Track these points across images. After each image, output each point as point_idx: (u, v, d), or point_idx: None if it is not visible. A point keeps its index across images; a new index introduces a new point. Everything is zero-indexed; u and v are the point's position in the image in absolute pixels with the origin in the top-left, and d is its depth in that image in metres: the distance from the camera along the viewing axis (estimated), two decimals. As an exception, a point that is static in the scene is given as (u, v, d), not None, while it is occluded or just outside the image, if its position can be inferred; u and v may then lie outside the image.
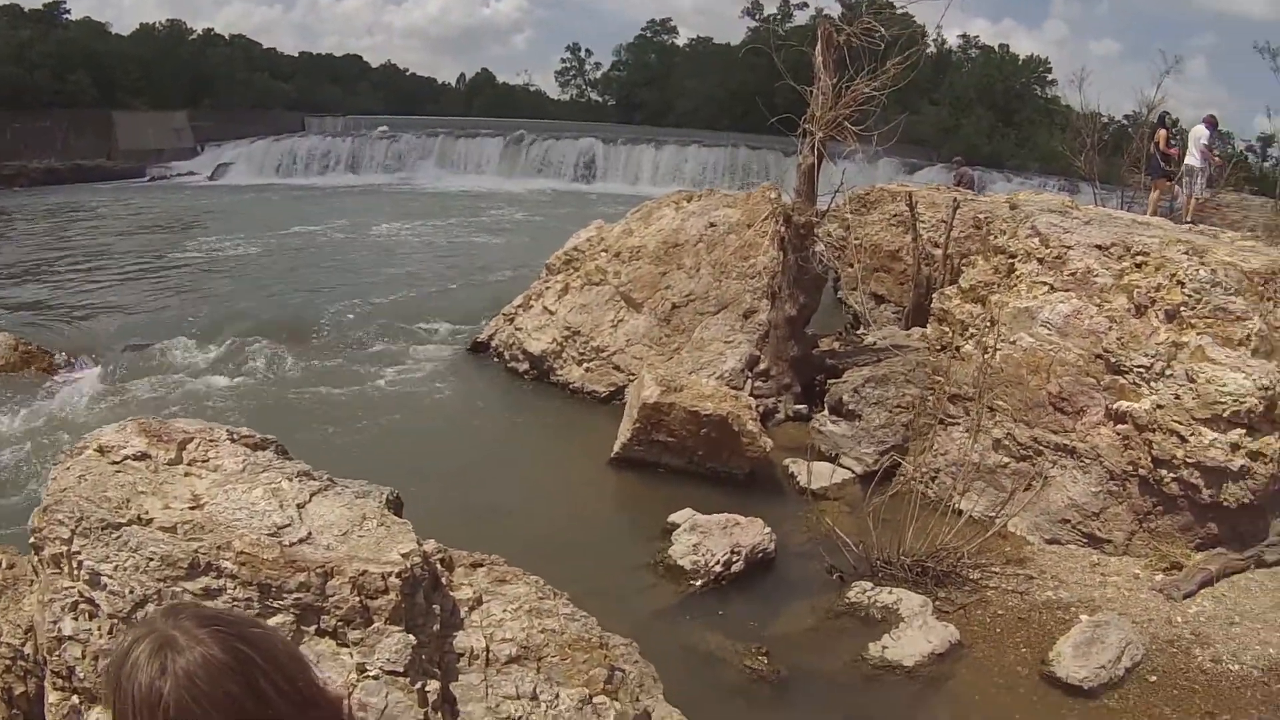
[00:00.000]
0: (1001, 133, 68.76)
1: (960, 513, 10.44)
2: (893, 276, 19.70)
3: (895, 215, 20.02)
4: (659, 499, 11.68)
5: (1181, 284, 10.68)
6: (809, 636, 9.13)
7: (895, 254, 19.69)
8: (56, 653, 5.43)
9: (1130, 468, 10.40)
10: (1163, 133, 20.92)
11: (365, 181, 57.21)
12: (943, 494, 11.20)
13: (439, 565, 6.26)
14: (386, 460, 12.51)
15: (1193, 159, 19.47)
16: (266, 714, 1.81)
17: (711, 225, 16.90)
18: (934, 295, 14.37)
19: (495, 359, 17.82)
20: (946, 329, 13.12)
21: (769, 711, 8.11)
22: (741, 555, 10.03)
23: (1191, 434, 9.95)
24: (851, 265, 19.30)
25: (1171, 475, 10.06)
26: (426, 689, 5.41)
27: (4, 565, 6.46)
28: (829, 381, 14.34)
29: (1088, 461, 10.74)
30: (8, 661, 5.92)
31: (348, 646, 5.37)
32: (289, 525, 5.63)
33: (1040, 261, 12.00)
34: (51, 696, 5.49)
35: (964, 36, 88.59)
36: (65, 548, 5.46)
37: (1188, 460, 9.93)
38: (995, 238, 13.30)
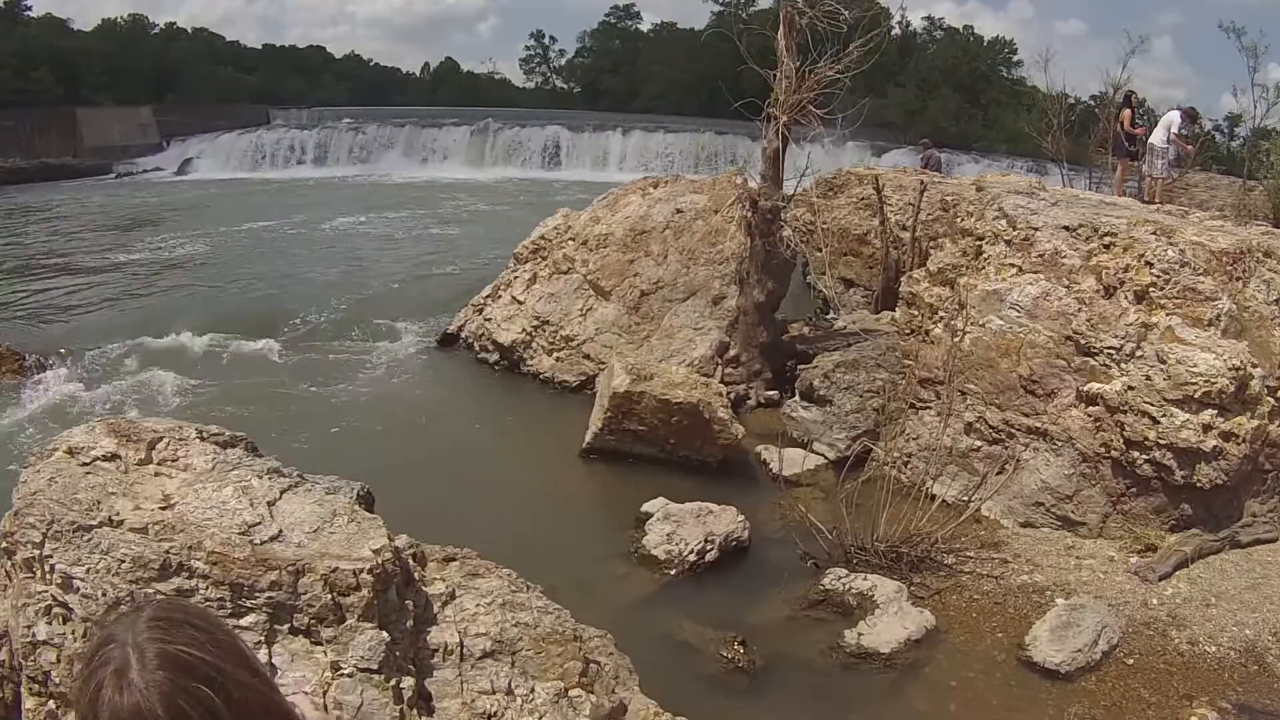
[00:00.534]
0: (968, 114, 69.12)
1: (933, 497, 10.41)
2: (861, 260, 19.71)
3: (862, 199, 20.03)
4: (632, 488, 11.62)
5: (1150, 264, 10.70)
6: (785, 625, 9.11)
7: (863, 238, 19.71)
8: (31, 658, 5.38)
9: (1103, 450, 10.41)
10: (1127, 112, 20.94)
11: (332, 174, 56.87)
12: (916, 479, 11.18)
13: (411, 560, 6.23)
14: (356, 455, 12.44)
15: (1157, 139, 19.48)
16: None
17: (678, 211, 16.83)
18: (903, 279, 14.37)
19: (465, 350, 17.73)
20: (916, 312, 13.12)
21: (746, 700, 8.08)
22: (715, 544, 10.00)
23: (1163, 415, 9.96)
24: (819, 250, 19.28)
25: (1144, 457, 10.08)
26: (401, 686, 5.39)
27: None
28: (799, 367, 14.35)
29: (1060, 444, 10.74)
30: (-17, 668, 5.86)
31: (321, 645, 5.34)
32: (260, 523, 5.58)
33: (1008, 243, 11.99)
34: (28, 702, 5.44)
35: (929, 18, 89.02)
36: (37, 551, 5.40)
37: (1160, 442, 9.95)
38: (962, 220, 13.28)
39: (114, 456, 5.89)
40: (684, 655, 8.52)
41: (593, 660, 6.38)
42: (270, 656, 5.16)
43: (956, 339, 11.66)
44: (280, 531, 5.57)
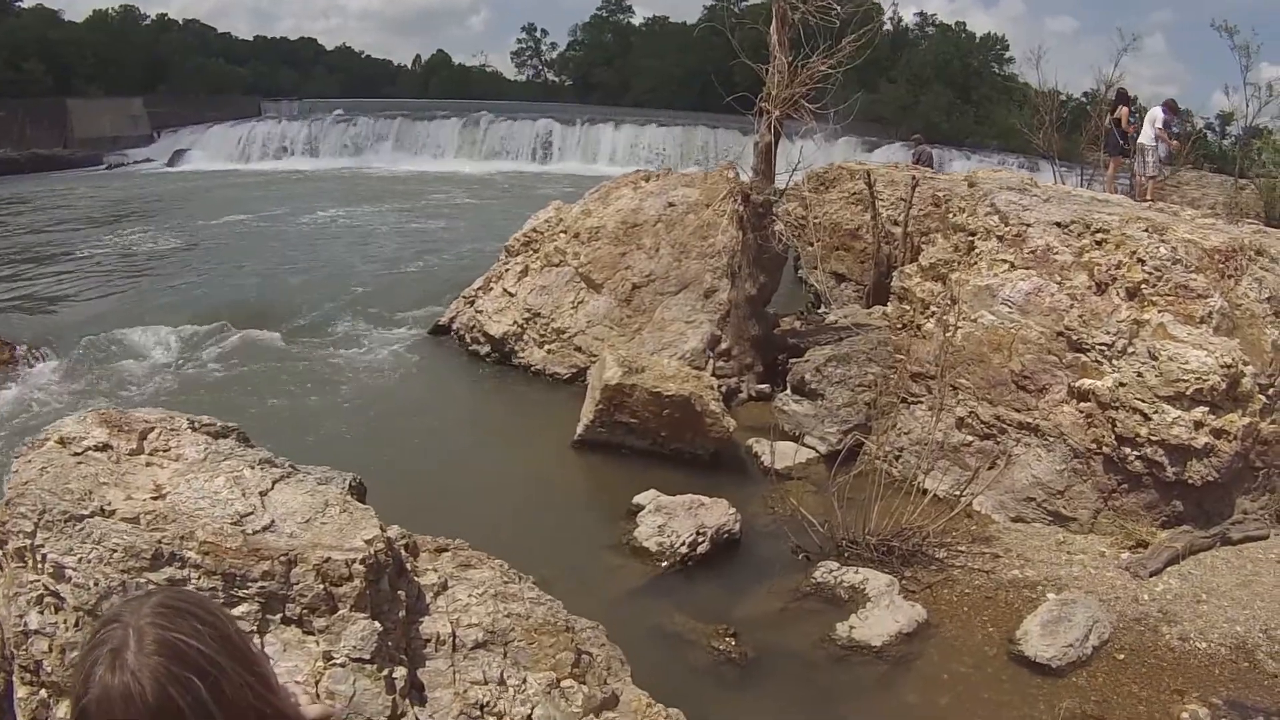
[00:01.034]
0: (960, 110, 69.21)
1: (925, 492, 10.43)
2: (853, 255, 19.72)
3: (854, 193, 20.05)
4: (623, 480, 11.64)
5: (1142, 261, 10.71)
6: (776, 617, 9.11)
7: (855, 232, 19.73)
8: (23, 647, 5.36)
9: (1094, 446, 10.42)
10: (1124, 110, 20.96)
11: (323, 165, 56.72)
12: (907, 473, 11.20)
13: (403, 551, 6.22)
14: (348, 446, 12.45)
15: (1146, 137, 19.53)
16: None
17: (670, 205, 16.83)
18: (894, 274, 14.38)
19: (456, 342, 17.70)
20: (907, 307, 13.12)
21: (737, 692, 8.09)
22: (707, 536, 10.00)
23: (1154, 412, 9.97)
24: (811, 244, 19.32)
25: (1135, 453, 10.10)
26: (394, 676, 5.39)
27: None
28: (791, 361, 14.34)
29: (1051, 440, 10.76)
30: (-25, 658, 5.85)
31: (313, 635, 5.34)
32: (251, 514, 5.57)
33: (1000, 239, 12.01)
34: (20, 691, 5.42)
35: (921, 14, 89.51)
36: (29, 541, 5.38)
37: (1151, 438, 9.97)
38: (954, 215, 13.28)
39: (105, 446, 5.88)
40: (675, 647, 8.53)
41: (585, 651, 6.37)
42: (262, 646, 5.13)
43: (948, 334, 11.67)
44: (272, 522, 5.57)
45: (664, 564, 9.80)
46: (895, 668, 8.35)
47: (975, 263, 12.18)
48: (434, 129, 62.56)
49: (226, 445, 6.27)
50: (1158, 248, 10.71)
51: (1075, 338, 10.80)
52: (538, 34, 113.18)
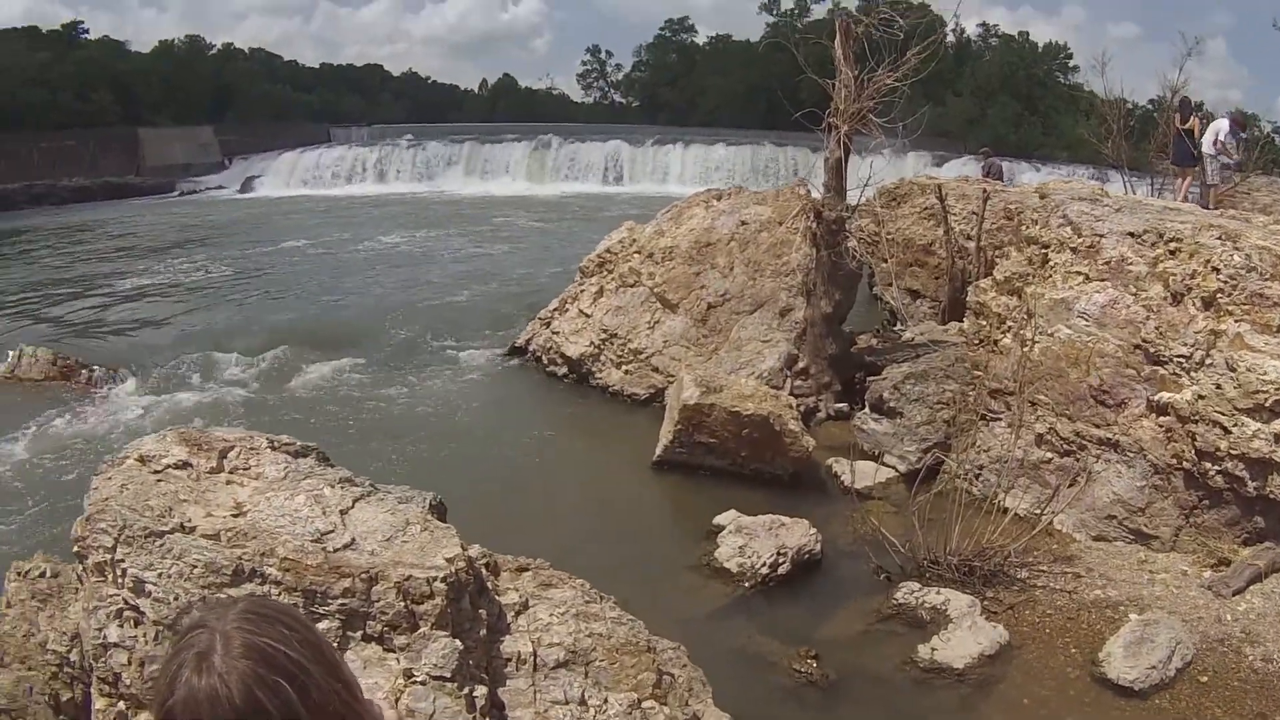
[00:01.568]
0: (1027, 121, 68.43)
1: (1005, 510, 10.35)
2: (927, 271, 19.65)
3: (926, 208, 19.96)
4: (703, 501, 11.70)
5: (1216, 270, 10.58)
6: (857, 638, 9.13)
7: (928, 248, 19.65)
8: (102, 659, 5.53)
9: (1174, 461, 10.32)
10: (1195, 120, 20.70)
11: (393, 190, 57.34)
12: (987, 491, 11.15)
13: (484, 570, 6.32)
14: (428, 466, 12.62)
15: (1207, 146, 19.32)
16: None
17: (743, 223, 16.90)
18: (969, 288, 14.35)
19: (533, 363, 17.89)
20: (984, 322, 13.11)
21: (819, 715, 8.13)
22: (788, 557, 10.04)
23: (1234, 425, 9.84)
24: (885, 260, 19.25)
25: (1216, 468, 9.97)
26: (474, 694, 5.47)
27: (48, 574, 6.58)
28: (868, 379, 14.32)
29: (1131, 455, 10.66)
30: (54, 668, 6.04)
31: (394, 652, 5.44)
32: (332, 531, 5.69)
33: (1074, 251, 11.95)
34: (98, 703, 5.57)
35: (983, 25, 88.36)
36: (109, 556, 5.54)
37: (1231, 452, 9.83)
38: (1027, 228, 13.24)
39: (185, 465, 6.03)
40: (757, 668, 8.58)
41: (666, 672, 6.44)
42: (343, 662, 5.22)
43: (1026, 349, 11.63)
44: (353, 540, 5.68)
45: (745, 584, 9.85)
46: (977, 690, 8.34)
47: (1050, 275, 12.14)
48: (503, 152, 62.87)
49: (306, 464, 6.40)
50: (1231, 255, 10.56)
51: (1153, 350, 10.71)
52: (602, 55, 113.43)
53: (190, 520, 5.56)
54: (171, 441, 6.23)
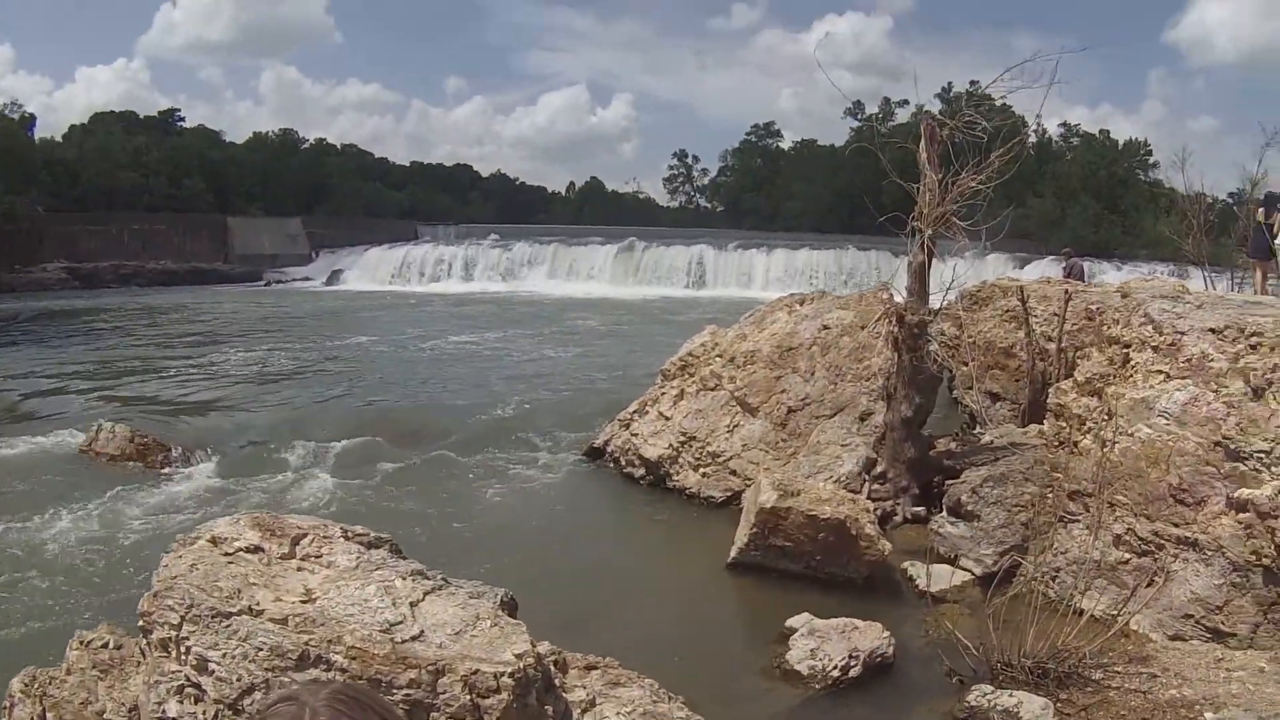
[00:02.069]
0: (1108, 220, 68.25)
1: (1081, 612, 10.21)
2: (1007, 373, 19.52)
3: (1007, 310, 19.89)
4: (776, 603, 11.63)
5: (1298, 362, 10.50)
6: (929, 741, 9.00)
7: (1009, 350, 19.54)
8: (160, 734, 5.60)
9: (1253, 557, 10.13)
10: (1278, 214, 20.54)
11: (478, 289, 58.36)
12: (1063, 593, 10.99)
13: (552, 666, 6.35)
14: (501, 562, 12.68)
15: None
16: None
17: (825, 328, 16.98)
18: (1050, 390, 14.25)
19: (611, 464, 17.99)
20: (1064, 424, 13.01)
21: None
22: (859, 659, 9.95)
23: (1315, 520, 9.70)
24: (966, 363, 19.17)
25: (1296, 564, 9.81)
26: (539, 790, 5.46)
27: (111, 645, 6.71)
28: (947, 482, 14.22)
29: (1210, 553, 10.49)
30: (111, 739, 6.12)
31: (459, 745, 5.44)
32: (401, 622, 5.77)
33: (1155, 349, 11.88)
34: (155, 776, 5.64)
35: (1064, 125, 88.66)
36: (174, 633, 5.66)
37: (1312, 547, 9.68)
38: (1109, 328, 13.18)
39: (257, 549, 6.17)
40: (827, 771, 8.49)
41: (734, 772, 6.42)
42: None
43: (1105, 449, 11.53)
44: (422, 631, 5.74)
45: (815, 686, 9.75)
46: (1053, 794, 8.20)
47: (1131, 375, 12.06)
48: (588, 254, 63.85)
49: (379, 555, 6.51)
50: (1313, 349, 10.50)
51: (1233, 446, 10.57)
52: (689, 160, 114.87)
53: (259, 604, 5.69)
54: (245, 525, 6.39)
